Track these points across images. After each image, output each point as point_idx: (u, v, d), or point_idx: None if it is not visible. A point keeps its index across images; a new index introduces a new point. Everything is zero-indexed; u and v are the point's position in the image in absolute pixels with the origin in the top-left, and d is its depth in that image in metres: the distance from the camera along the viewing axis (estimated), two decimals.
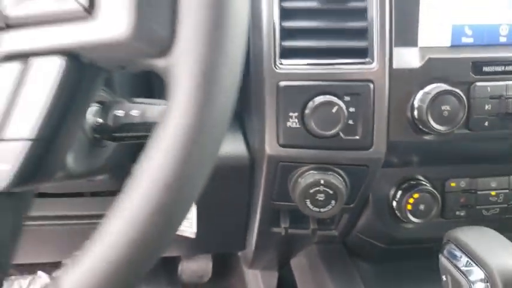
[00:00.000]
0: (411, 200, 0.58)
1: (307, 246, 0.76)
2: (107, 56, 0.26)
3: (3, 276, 0.29)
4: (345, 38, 0.51)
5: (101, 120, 0.45)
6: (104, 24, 0.25)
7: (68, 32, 0.25)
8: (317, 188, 0.53)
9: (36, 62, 0.25)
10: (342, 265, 0.67)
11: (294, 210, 0.61)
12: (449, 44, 0.54)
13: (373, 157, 0.53)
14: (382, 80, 0.51)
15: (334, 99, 0.49)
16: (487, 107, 0.53)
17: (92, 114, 0.44)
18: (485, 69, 0.53)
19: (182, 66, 0.25)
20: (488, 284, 0.39)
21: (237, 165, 0.63)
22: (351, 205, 0.59)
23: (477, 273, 0.40)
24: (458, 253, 0.43)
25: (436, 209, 0.58)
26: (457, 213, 0.60)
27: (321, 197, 0.53)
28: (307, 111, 0.50)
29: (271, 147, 0.53)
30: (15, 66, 0.25)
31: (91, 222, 0.76)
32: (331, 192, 0.53)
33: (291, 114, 0.51)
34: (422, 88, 0.52)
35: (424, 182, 0.59)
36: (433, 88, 0.51)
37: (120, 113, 0.45)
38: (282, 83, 0.51)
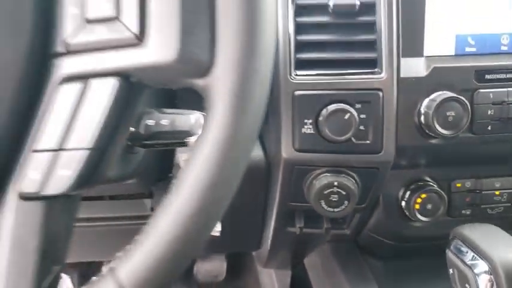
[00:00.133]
0: (419, 200, 0.61)
1: (320, 245, 0.80)
2: (153, 76, 0.30)
3: (61, 269, 0.33)
4: (355, 49, 0.55)
5: (133, 129, 0.49)
6: (152, 49, 0.29)
7: (121, 57, 0.29)
8: (331, 190, 0.56)
9: (94, 83, 0.29)
10: (354, 263, 0.71)
11: (308, 210, 0.65)
12: (453, 53, 0.57)
13: (383, 160, 0.56)
14: (391, 88, 0.54)
15: (346, 106, 0.53)
16: (489, 112, 0.56)
17: None
18: (488, 76, 0.56)
19: (220, 85, 0.29)
20: (491, 276, 0.43)
21: (254, 168, 0.66)
22: (363, 205, 0.62)
23: (482, 266, 0.43)
24: (464, 248, 0.47)
25: (443, 208, 0.62)
26: (463, 212, 0.63)
27: (334, 197, 0.57)
28: (321, 118, 0.53)
29: (287, 151, 0.57)
30: (76, 86, 0.29)
31: (109, 224, 0.80)
32: (344, 193, 0.56)
33: (305, 121, 0.55)
34: (428, 95, 0.55)
35: (431, 183, 0.63)
36: (439, 95, 0.54)
37: (151, 122, 0.49)
38: (297, 92, 0.54)
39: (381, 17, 0.54)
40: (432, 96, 0.55)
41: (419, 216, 0.62)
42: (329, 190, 0.56)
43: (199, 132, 0.51)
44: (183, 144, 0.53)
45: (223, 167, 0.29)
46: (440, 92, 0.55)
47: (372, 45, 0.55)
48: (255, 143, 0.30)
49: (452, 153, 0.59)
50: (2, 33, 0.28)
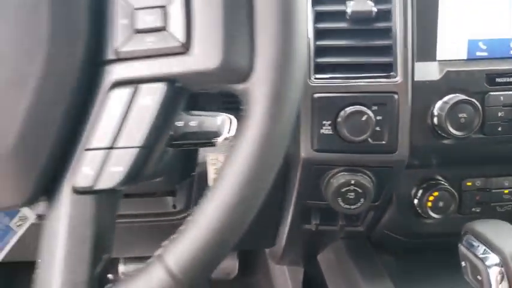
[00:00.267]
0: (431, 198, 0.64)
1: (333, 241, 0.82)
2: (197, 81, 0.33)
3: (109, 257, 0.36)
4: (371, 54, 0.57)
5: None
6: (197, 57, 0.31)
7: (168, 64, 0.32)
8: (348, 188, 0.59)
9: (143, 87, 0.32)
10: (368, 259, 0.74)
11: (323, 208, 0.68)
12: (465, 58, 0.60)
13: (397, 159, 0.59)
14: (405, 91, 0.57)
15: (364, 108, 0.56)
16: (500, 114, 0.59)
17: None
18: (498, 80, 0.59)
19: (258, 89, 0.31)
20: (502, 268, 0.45)
21: None
22: (376, 203, 0.65)
23: (493, 259, 0.46)
24: (475, 243, 0.50)
25: (454, 205, 0.64)
26: (473, 209, 0.66)
27: (351, 195, 0.59)
28: (339, 119, 0.56)
29: (306, 151, 0.59)
30: (126, 90, 0.32)
31: (131, 221, 0.82)
32: (360, 191, 0.59)
33: (324, 122, 0.57)
34: (441, 98, 0.58)
35: (442, 182, 0.65)
36: (451, 98, 0.57)
37: (180, 123, 0.52)
38: (316, 95, 0.57)
39: (397, 23, 0.57)
40: (445, 98, 0.58)
41: (431, 213, 0.64)
42: (346, 188, 0.59)
43: (225, 132, 0.54)
44: (211, 144, 0.56)
45: (261, 162, 0.32)
46: (452, 95, 0.57)
47: (387, 50, 0.57)
48: (288, 141, 0.33)
49: (463, 153, 0.62)
50: (60, 43, 0.31)
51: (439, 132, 0.58)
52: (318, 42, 0.58)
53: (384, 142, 0.58)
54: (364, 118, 0.56)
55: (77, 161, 0.33)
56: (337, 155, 0.59)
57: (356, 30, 0.57)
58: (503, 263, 0.45)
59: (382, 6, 0.57)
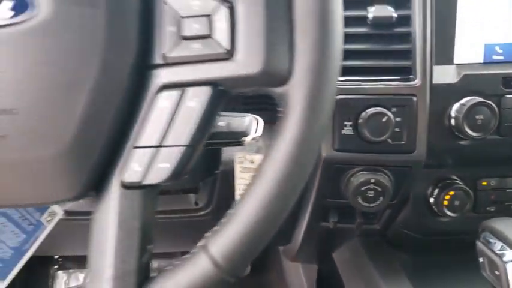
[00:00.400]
0: (447, 197, 0.66)
1: (349, 239, 0.85)
2: (239, 85, 0.35)
3: (153, 248, 0.38)
4: (391, 58, 0.60)
5: None
6: (240, 63, 0.34)
7: (213, 69, 0.34)
8: (367, 186, 0.61)
9: (190, 90, 0.34)
10: (384, 256, 0.76)
11: (341, 206, 0.70)
12: (481, 61, 0.62)
13: (415, 159, 0.61)
14: (424, 94, 0.59)
15: (384, 110, 0.58)
16: None
17: None
18: None
19: (297, 93, 0.34)
20: None
21: None
22: (393, 201, 0.67)
23: (510, 255, 0.48)
24: (493, 240, 0.52)
25: (469, 204, 0.66)
26: (488, 208, 0.68)
27: (370, 194, 0.62)
28: (360, 120, 0.58)
29: (327, 151, 0.62)
30: (174, 93, 0.35)
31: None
32: (379, 189, 0.61)
33: (345, 123, 0.60)
34: (458, 100, 0.60)
35: (458, 181, 0.68)
36: (468, 100, 0.59)
37: None
38: (338, 97, 0.59)
39: (416, 28, 0.59)
40: (462, 101, 0.60)
41: (447, 212, 0.66)
42: (366, 187, 0.61)
43: (252, 132, 0.57)
44: (239, 143, 0.58)
45: (299, 161, 0.34)
46: (469, 97, 0.60)
47: (407, 54, 0.60)
48: (323, 140, 0.36)
49: (479, 153, 0.64)
50: (113, 49, 0.34)
51: (456, 133, 0.61)
52: None
53: (403, 142, 0.60)
54: (384, 119, 0.58)
55: (125, 158, 0.35)
56: (357, 154, 0.61)
57: (377, 34, 0.60)
58: None
59: (402, 12, 0.59)
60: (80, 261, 1.26)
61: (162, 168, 0.35)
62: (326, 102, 0.34)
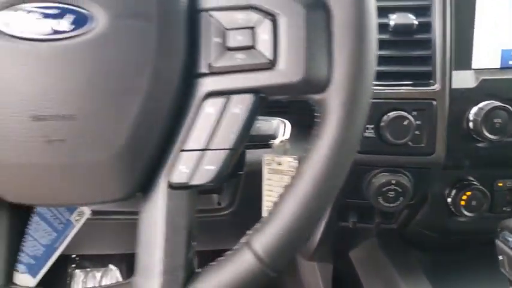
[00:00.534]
0: (464, 197, 0.68)
1: (366, 239, 0.87)
2: (279, 92, 0.38)
3: (196, 244, 0.41)
4: (412, 63, 0.62)
5: None
6: (282, 72, 0.36)
7: (256, 78, 0.37)
8: (388, 187, 0.64)
9: (234, 98, 0.37)
10: (402, 255, 0.78)
11: (361, 206, 0.73)
12: (498, 66, 0.65)
13: (435, 161, 0.63)
14: (443, 98, 0.62)
15: (405, 114, 0.60)
16: None
17: None
18: None
19: (335, 99, 0.36)
20: None
21: None
22: (412, 201, 0.69)
23: None
24: (511, 238, 0.54)
25: (486, 204, 0.69)
26: (504, 208, 0.70)
27: (391, 194, 0.64)
28: (382, 123, 0.61)
29: None
30: (219, 100, 0.37)
31: None
32: (400, 190, 0.64)
33: (368, 126, 0.62)
34: (476, 104, 0.62)
35: (474, 182, 0.70)
36: (486, 104, 0.62)
37: None
38: None
39: (436, 35, 0.61)
40: (480, 105, 0.62)
41: (464, 211, 0.69)
42: (387, 187, 0.64)
43: (280, 135, 0.59)
44: (268, 145, 0.61)
45: (336, 163, 0.37)
46: (487, 101, 0.62)
47: (427, 60, 0.62)
48: (359, 143, 0.38)
49: (496, 155, 0.66)
50: (164, 59, 0.36)
51: (474, 136, 0.63)
52: None
53: (422, 145, 0.62)
54: (405, 123, 0.60)
55: (173, 160, 0.38)
56: (379, 156, 0.63)
57: (398, 41, 0.62)
58: None
59: (423, 19, 0.61)
60: (96, 261, 1.29)
61: (208, 170, 0.38)
62: (362, 108, 0.37)
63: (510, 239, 0.54)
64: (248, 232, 0.39)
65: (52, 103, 0.35)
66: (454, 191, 0.69)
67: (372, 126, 0.62)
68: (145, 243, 0.39)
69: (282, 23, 0.36)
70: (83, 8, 0.34)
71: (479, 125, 0.61)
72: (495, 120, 0.61)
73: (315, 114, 0.38)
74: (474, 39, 0.63)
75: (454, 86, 0.62)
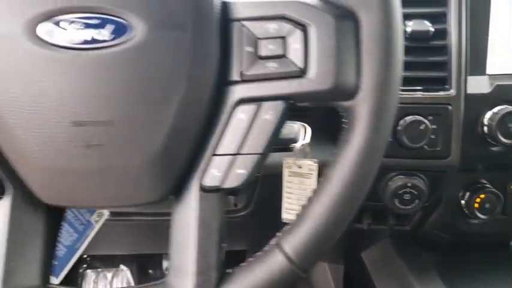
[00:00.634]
0: (478, 200, 0.70)
1: (379, 240, 0.88)
2: (309, 99, 0.39)
3: (226, 246, 0.42)
4: (428, 69, 0.63)
5: None
6: (312, 80, 0.38)
7: (287, 85, 0.38)
8: (404, 190, 0.65)
9: (265, 105, 0.38)
10: (416, 256, 0.79)
11: (375, 208, 0.74)
12: None
13: (450, 164, 0.65)
14: (459, 103, 0.63)
15: (421, 118, 0.62)
16: None
17: None
18: None
19: (363, 106, 0.38)
20: None
21: None
22: (426, 204, 0.71)
23: None
24: None
25: (499, 207, 0.70)
26: None
27: (407, 196, 0.65)
28: (399, 128, 0.62)
29: None
30: (251, 107, 0.38)
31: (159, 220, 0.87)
32: (415, 192, 0.65)
33: None
34: (491, 109, 0.64)
35: (488, 185, 0.71)
36: (501, 109, 0.63)
37: None
38: None
39: (452, 41, 0.63)
40: (495, 109, 0.63)
41: (478, 214, 0.70)
42: (403, 190, 0.65)
43: (301, 139, 0.61)
44: (289, 149, 0.62)
45: (364, 168, 0.38)
46: (502, 106, 0.63)
47: (443, 66, 0.63)
48: (386, 146, 0.39)
49: (509, 159, 0.68)
50: (197, 67, 0.38)
51: (489, 140, 0.64)
52: None
53: (438, 149, 0.64)
54: (421, 127, 0.62)
55: (205, 164, 0.39)
56: (395, 159, 0.65)
57: (415, 47, 0.63)
58: None
59: (439, 26, 0.63)
60: (107, 261, 1.30)
61: (239, 174, 0.39)
62: (389, 114, 0.38)
63: None
64: (278, 234, 0.40)
65: (91, 109, 0.36)
66: (468, 194, 0.71)
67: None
68: (179, 244, 0.40)
69: (313, 32, 0.38)
70: (122, 19, 0.35)
71: (493, 130, 0.62)
72: (509, 125, 0.62)
73: (343, 120, 0.40)
74: (489, 45, 0.65)
75: (469, 91, 0.64)
